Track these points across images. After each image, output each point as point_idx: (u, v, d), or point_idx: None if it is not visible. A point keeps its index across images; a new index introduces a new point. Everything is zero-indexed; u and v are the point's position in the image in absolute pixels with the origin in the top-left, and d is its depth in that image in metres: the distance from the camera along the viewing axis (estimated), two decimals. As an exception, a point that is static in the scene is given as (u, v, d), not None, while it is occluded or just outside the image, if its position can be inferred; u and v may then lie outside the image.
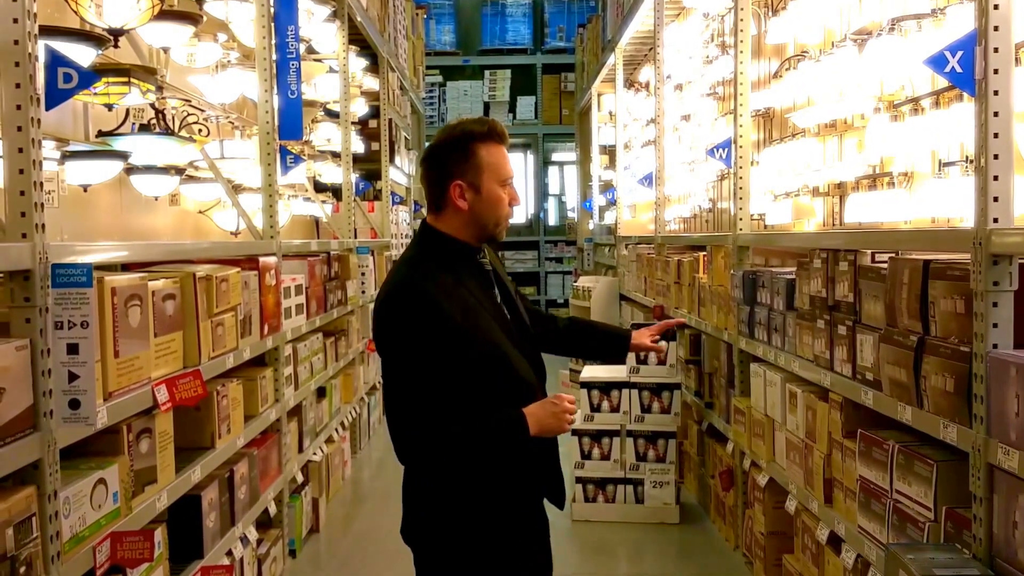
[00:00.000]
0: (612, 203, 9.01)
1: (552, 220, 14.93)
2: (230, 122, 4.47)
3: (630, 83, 8.89)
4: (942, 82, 2.58)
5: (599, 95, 10.56)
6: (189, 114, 3.94)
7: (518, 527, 2.09)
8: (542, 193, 14.69)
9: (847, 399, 2.76)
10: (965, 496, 2.08)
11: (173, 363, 2.69)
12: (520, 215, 14.92)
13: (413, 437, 1.97)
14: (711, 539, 4.37)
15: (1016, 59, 2.11)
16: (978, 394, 2.01)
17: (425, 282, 1.97)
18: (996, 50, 2.01)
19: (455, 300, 1.97)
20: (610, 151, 9.75)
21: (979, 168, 2.04)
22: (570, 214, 14.41)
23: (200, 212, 4.64)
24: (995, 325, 1.98)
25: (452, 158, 2.01)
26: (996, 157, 2.01)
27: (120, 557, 2.26)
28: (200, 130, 3.95)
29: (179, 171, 3.79)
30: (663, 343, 2.53)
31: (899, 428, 2.48)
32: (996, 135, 2.01)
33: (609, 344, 2.47)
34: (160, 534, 2.54)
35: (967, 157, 2.58)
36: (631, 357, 4.67)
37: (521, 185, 14.95)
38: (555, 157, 14.98)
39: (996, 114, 2.01)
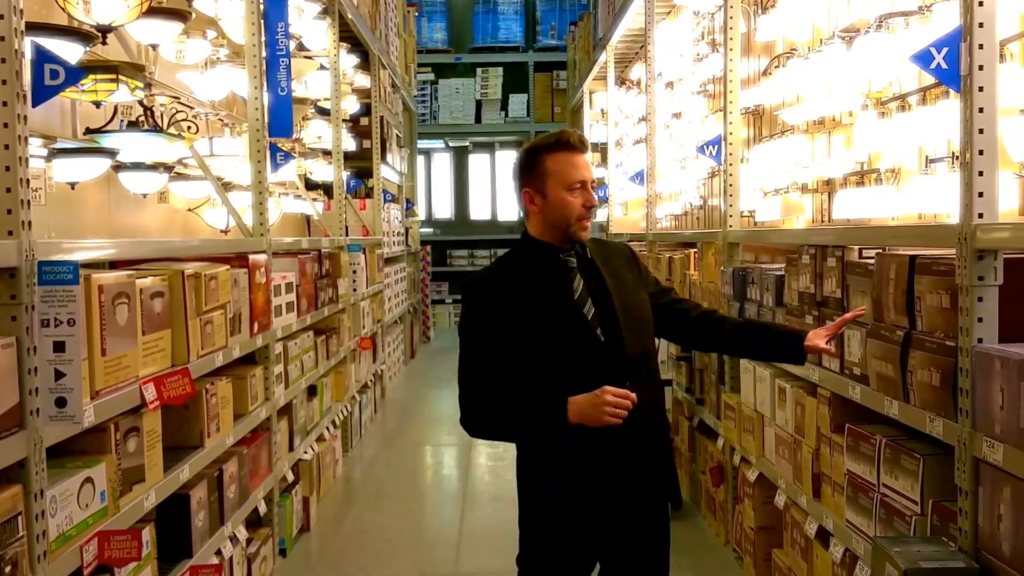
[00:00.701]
0: (604, 200, 9.02)
1: (544, 218, 14.93)
2: (219, 119, 4.46)
3: (621, 81, 8.89)
4: (929, 79, 2.59)
5: (591, 93, 10.56)
6: (178, 111, 3.93)
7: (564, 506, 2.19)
8: (534, 191, 14.68)
9: (835, 394, 2.77)
10: (951, 489, 2.09)
11: (161, 361, 2.68)
12: (512, 213, 14.93)
13: (467, 412, 2.22)
14: (702, 534, 4.38)
15: (1001, 55, 2.12)
16: (963, 388, 2.02)
17: (488, 274, 2.29)
18: (981, 47, 2.02)
19: (510, 291, 2.20)
20: (602, 149, 9.75)
21: (964, 164, 2.05)
22: (562, 212, 14.41)
23: (189, 210, 4.63)
24: (980, 319, 1.99)
25: (522, 168, 2.27)
26: (981, 153, 2.02)
27: (107, 556, 2.25)
28: (189, 127, 3.93)
29: (168, 168, 3.77)
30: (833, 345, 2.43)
31: (886, 422, 2.49)
32: (981, 131, 2.02)
33: (781, 346, 2.39)
34: (148, 533, 2.53)
35: (953, 153, 2.59)
36: None
37: (512, 184, 14.93)
38: (547, 155, 14.98)
39: (981, 110, 2.02)
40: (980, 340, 1.99)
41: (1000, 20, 2.05)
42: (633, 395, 2.09)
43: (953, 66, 2.07)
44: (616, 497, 2.19)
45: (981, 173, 2.02)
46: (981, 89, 2.01)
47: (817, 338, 2.31)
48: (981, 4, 2.01)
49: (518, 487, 2.30)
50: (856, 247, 2.74)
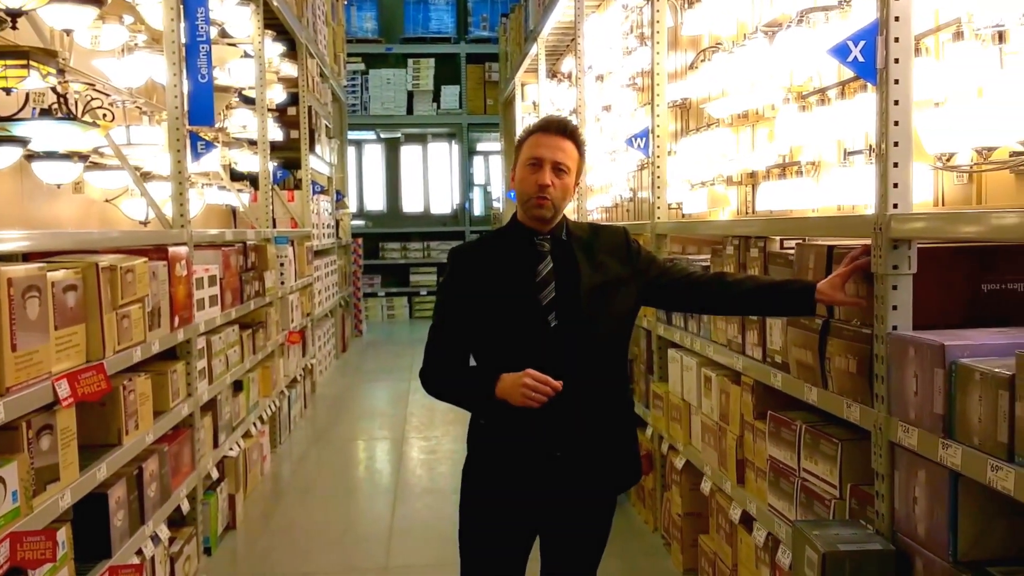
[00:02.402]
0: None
1: (478, 210, 14.92)
2: (137, 107, 4.32)
3: (553, 73, 8.92)
4: (848, 73, 2.65)
5: (523, 85, 10.57)
6: (93, 98, 3.79)
7: (497, 472, 2.28)
8: (467, 183, 14.66)
9: (758, 382, 2.83)
10: (868, 473, 2.15)
11: (75, 357, 2.58)
12: (445, 205, 14.87)
13: (424, 371, 2.31)
14: (631, 522, 4.43)
15: (916, 49, 2.18)
16: (879, 374, 2.07)
17: (470, 246, 2.34)
18: (896, 40, 2.07)
19: (481, 266, 2.26)
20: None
21: (880, 155, 2.10)
22: (495, 204, 14.42)
23: (107, 201, 4.47)
24: (895, 307, 2.05)
25: (514, 153, 2.33)
26: (896, 144, 2.07)
27: (21, 558, 2.16)
28: (105, 115, 3.79)
29: (83, 158, 3.63)
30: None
31: (807, 409, 2.55)
32: (896, 123, 2.07)
33: (791, 303, 2.27)
34: (64, 534, 2.44)
35: (870, 146, 2.66)
36: None
37: (446, 176, 14.89)
38: (480, 147, 14.96)
39: (896, 103, 2.07)
40: (895, 327, 2.05)
41: (916, 14, 2.10)
42: (556, 382, 2.10)
43: (870, 59, 2.11)
44: (554, 476, 2.23)
45: (896, 164, 2.07)
46: (897, 82, 2.07)
47: (834, 291, 2.18)
48: (896, -1, 2.06)
49: (465, 460, 2.36)
50: (778, 238, 2.80)
